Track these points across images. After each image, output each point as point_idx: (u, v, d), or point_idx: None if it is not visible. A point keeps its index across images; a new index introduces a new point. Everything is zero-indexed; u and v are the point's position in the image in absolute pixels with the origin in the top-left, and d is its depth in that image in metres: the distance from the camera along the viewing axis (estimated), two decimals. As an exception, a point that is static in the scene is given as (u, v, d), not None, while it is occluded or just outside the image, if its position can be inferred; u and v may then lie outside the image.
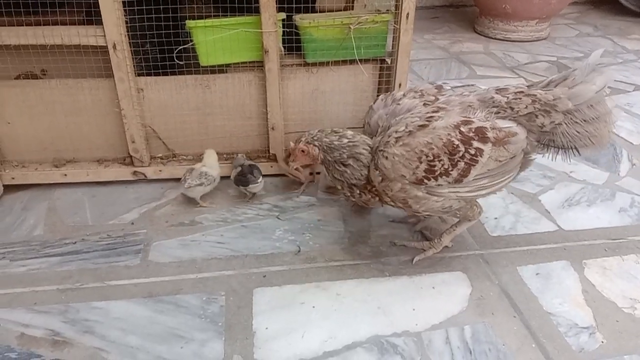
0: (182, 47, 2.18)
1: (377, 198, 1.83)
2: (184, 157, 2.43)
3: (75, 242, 2.05)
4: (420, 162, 1.64)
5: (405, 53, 2.25)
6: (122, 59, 2.12)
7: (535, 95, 1.71)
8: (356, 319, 1.72)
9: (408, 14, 2.17)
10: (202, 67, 2.26)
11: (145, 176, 2.39)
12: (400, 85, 2.29)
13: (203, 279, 1.88)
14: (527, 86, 1.78)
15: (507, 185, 1.81)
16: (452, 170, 1.65)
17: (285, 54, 2.28)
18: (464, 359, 1.58)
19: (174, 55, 2.18)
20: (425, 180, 1.67)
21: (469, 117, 1.69)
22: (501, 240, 2.09)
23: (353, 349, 1.61)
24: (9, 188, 2.34)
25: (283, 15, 2.19)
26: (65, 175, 2.35)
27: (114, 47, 2.10)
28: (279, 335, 1.65)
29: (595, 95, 1.69)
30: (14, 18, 2.08)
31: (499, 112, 1.72)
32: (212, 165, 2.26)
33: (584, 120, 1.71)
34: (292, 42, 2.25)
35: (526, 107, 1.70)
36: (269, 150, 2.42)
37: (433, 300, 1.80)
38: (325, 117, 2.41)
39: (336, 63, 2.31)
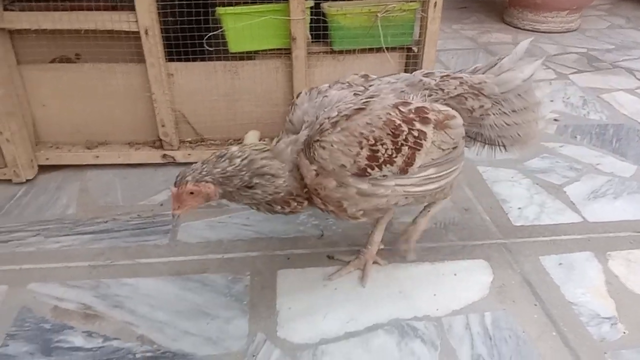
0: (212, 33, 2.22)
1: (304, 203, 1.59)
2: (212, 142, 2.48)
3: (106, 222, 2.11)
4: (362, 148, 1.46)
5: (432, 42, 2.26)
6: (153, 44, 2.17)
7: (462, 77, 1.67)
8: (377, 302, 1.75)
9: (436, 2, 2.18)
10: (230, 53, 2.30)
11: (175, 159, 2.44)
12: (426, 73, 2.30)
13: (229, 259, 1.92)
14: (453, 73, 1.73)
15: (455, 179, 1.69)
16: (396, 156, 1.49)
17: (312, 41, 2.31)
18: (484, 345, 1.60)
19: (204, 41, 2.22)
20: (369, 170, 1.48)
21: (406, 99, 1.58)
22: (524, 230, 2.10)
23: (374, 331, 1.64)
24: (44, 168, 2.43)
25: (311, 2, 2.21)
26: (97, 157, 2.42)
27: (146, 32, 2.15)
28: (301, 315, 1.69)
29: (522, 84, 1.66)
30: (50, 3, 2.14)
31: (430, 95, 1.63)
32: None
33: (513, 111, 1.67)
34: (319, 30, 2.28)
35: (455, 89, 1.64)
36: (294, 137, 2.45)
37: (454, 287, 1.82)
38: (351, 105, 2.43)
39: (362, 51, 2.33)
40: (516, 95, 1.67)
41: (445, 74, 1.69)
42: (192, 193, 1.46)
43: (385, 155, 1.48)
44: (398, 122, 1.49)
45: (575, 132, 2.87)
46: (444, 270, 1.89)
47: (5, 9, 2.11)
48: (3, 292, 1.77)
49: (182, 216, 1.55)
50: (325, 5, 2.26)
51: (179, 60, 2.31)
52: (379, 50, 2.31)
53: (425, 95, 1.63)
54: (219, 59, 2.30)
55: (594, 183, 2.41)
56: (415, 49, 2.36)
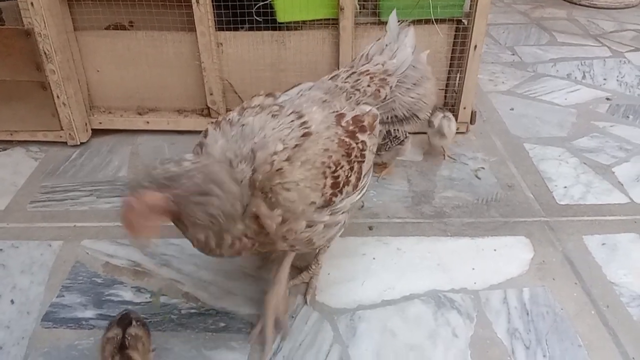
0: (261, 3, 2.24)
1: (255, 245, 1.33)
2: (257, 111, 2.52)
3: (155, 185, 2.19)
4: (326, 177, 1.35)
5: (483, 14, 2.21)
6: (204, 13, 2.21)
7: (369, 70, 1.64)
8: (415, 273, 1.77)
9: (488, -26, 2.13)
10: (278, 23, 2.32)
11: (221, 127, 2.50)
12: (475, 47, 2.26)
13: (271, 225, 1.97)
14: (350, 67, 1.71)
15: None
16: (351, 175, 1.42)
17: (359, 12, 2.30)
18: (521, 319, 1.61)
19: (254, 11, 2.24)
20: (333, 199, 1.38)
21: (337, 110, 1.47)
22: (569, 209, 2.07)
23: (410, 300, 1.67)
24: (97, 132, 2.52)
25: (361, -28, 2.20)
26: (148, 122, 2.50)
27: (197, 1, 2.18)
28: (340, 282, 1.73)
29: (413, 56, 1.71)
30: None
31: (350, 98, 1.56)
32: None
33: (414, 84, 1.71)
34: (367, 0, 2.26)
35: (369, 86, 1.61)
36: (339, 108, 2.47)
37: (493, 262, 1.82)
38: (397, 78, 2.42)
39: (411, 22, 2.30)
40: (412, 68, 1.72)
41: (350, 72, 1.66)
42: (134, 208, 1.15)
43: (344, 178, 1.40)
44: (348, 140, 1.41)
45: (628, 112, 2.78)
46: (484, 245, 1.89)
47: (64, -24, 2.19)
48: (59, 247, 1.88)
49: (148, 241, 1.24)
50: (374, -24, 2.25)
51: (228, 29, 2.34)
52: (427, 22, 2.28)
53: (346, 100, 1.57)
54: (266, 29, 2.33)
55: (644, 164, 2.35)
56: (465, 21, 2.32)
